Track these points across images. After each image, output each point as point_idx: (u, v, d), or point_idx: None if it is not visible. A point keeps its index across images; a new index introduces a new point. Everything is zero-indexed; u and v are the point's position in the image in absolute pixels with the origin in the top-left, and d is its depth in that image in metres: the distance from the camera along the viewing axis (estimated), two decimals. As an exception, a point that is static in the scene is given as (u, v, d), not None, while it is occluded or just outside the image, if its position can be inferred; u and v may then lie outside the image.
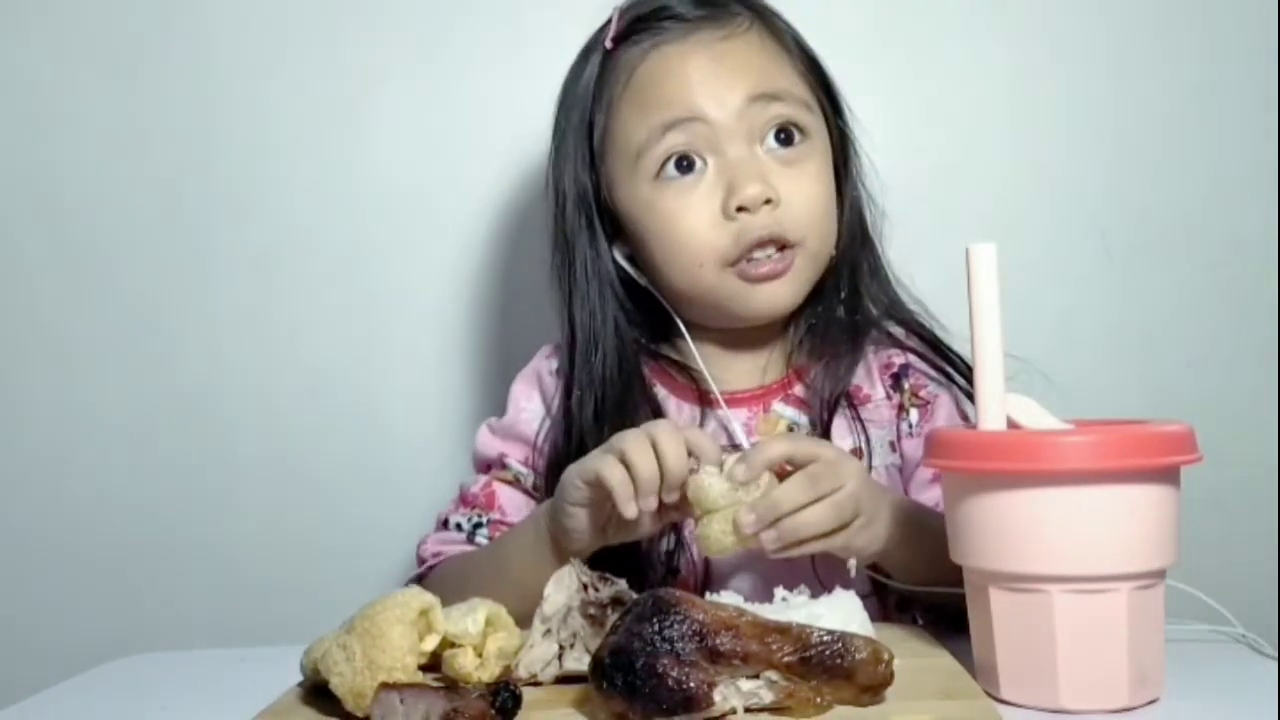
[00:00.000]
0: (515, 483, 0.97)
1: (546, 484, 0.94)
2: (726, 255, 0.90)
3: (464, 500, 0.98)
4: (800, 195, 0.90)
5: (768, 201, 0.89)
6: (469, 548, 0.95)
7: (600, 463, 0.78)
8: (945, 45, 1.23)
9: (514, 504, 0.96)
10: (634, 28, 0.94)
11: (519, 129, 1.18)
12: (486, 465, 1.00)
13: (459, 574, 0.91)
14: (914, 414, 0.95)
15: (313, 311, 1.24)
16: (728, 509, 0.76)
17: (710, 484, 0.76)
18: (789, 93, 0.92)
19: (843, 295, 0.97)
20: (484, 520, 0.96)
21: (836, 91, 0.97)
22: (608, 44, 0.94)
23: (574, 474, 0.81)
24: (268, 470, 1.24)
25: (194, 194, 1.24)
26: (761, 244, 0.90)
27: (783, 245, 0.90)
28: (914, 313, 0.98)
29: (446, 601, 0.90)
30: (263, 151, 1.23)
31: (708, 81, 0.90)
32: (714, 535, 0.76)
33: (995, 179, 1.23)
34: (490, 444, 0.99)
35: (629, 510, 0.77)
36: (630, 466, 0.77)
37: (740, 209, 0.88)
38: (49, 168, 1.25)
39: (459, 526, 0.96)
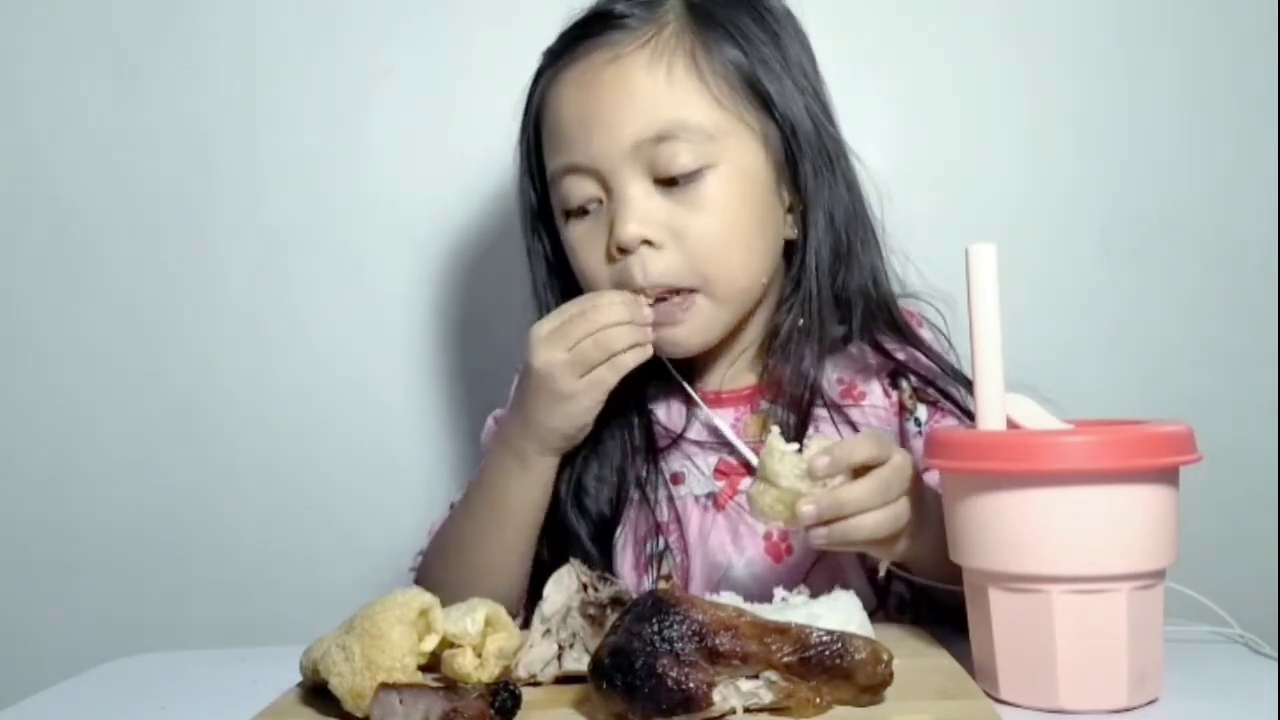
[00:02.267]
0: None
1: None
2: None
3: (469, 485, 0.98)
4: (700, 231, 0.87)
5: (647, 243, 0.87)
6: None
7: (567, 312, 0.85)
8: (946, 45, 1.23)
9: None
10: (558, 44, 0.92)
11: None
12: None
13: (448, 530, 0.94)
14: (922, 410, 0.92)
15: (312, 312, 1.24)
16: (788, 491, 0.73)
17: (782, 460, 0.73)
18: (682, 125, 0.86)
19: (810, 312, 0.92)
20: None
21: (785, 98, 0.90)
22: (541, 59, 0.93)
23: (546, 363, 0.84)
24: (267, 470, 1.24)
25: (194, 194, 1.24)
26: (647, 295, 0.87)
27: (681, 290, 0.88)
28: (918, 334, 0.95)
29: (449, 560, 0.92)
30: (262, 151, 1.24)
31: (596, 126, 0.87)
32: (766, 505, 0.73)
33: (995, 179, 1.23)
34: (492, 434, 1.00)
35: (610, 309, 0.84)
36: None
37: (621, 249, 0.87)
38: (48, 168, 1.25)
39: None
